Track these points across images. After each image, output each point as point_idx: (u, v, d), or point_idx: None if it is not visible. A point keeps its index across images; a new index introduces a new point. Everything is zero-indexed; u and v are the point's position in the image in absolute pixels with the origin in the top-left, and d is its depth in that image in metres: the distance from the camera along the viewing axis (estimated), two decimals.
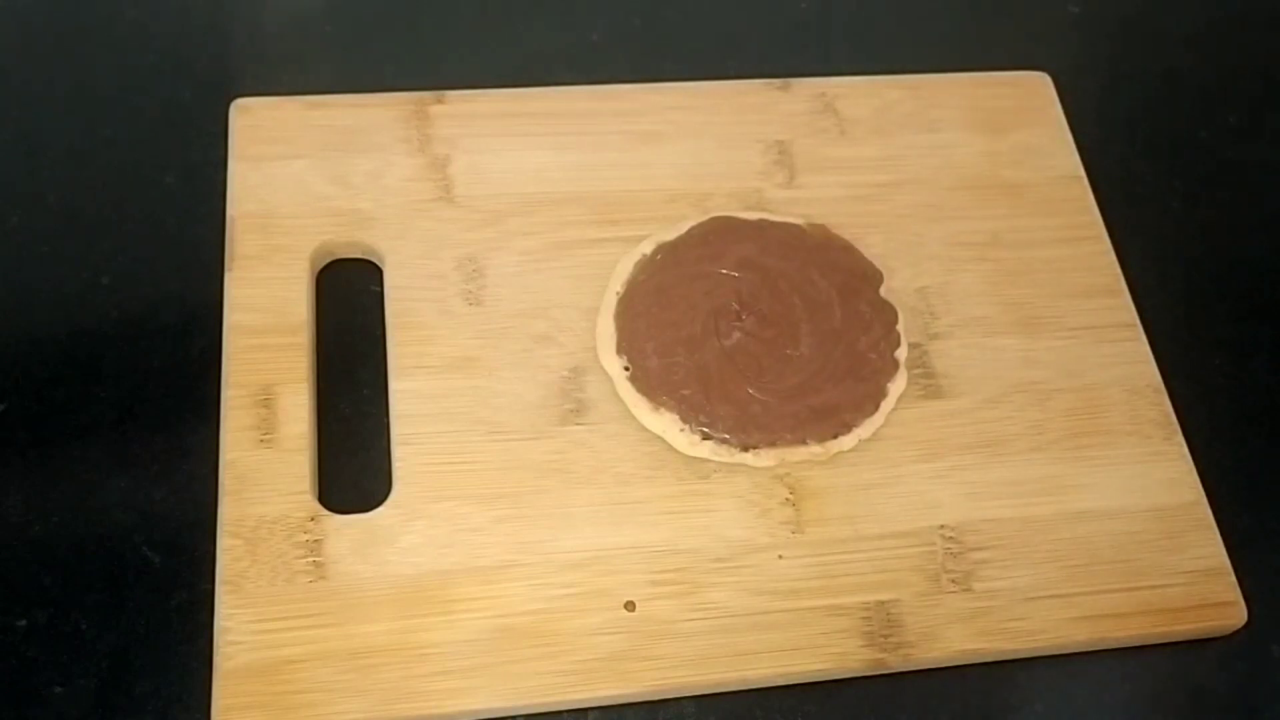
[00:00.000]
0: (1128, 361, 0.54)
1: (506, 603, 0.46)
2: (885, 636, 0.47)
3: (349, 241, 0.53)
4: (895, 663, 0.46)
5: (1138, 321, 0.56)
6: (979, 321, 0.55)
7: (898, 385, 0.51)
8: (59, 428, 0.49)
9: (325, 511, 0.47)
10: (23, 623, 0.45)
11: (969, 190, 0.58)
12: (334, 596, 0.45)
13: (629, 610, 0.46)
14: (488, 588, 0.46)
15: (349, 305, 0.52)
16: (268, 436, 0.48)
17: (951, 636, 0.47)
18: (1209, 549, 0.50)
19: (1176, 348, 0.55)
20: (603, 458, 0.49)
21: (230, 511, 0.46)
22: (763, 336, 0.51)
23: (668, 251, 0.52)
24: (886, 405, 0.50)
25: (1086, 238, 0.58)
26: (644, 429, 0.49)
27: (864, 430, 0.49)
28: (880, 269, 0.54)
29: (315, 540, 0.46)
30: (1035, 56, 0.63)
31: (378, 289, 0.52)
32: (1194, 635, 0.49)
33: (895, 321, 0.52)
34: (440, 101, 0.57)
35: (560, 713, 0.45)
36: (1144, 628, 0.48)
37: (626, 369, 0.50)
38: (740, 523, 0.48)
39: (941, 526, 0.49)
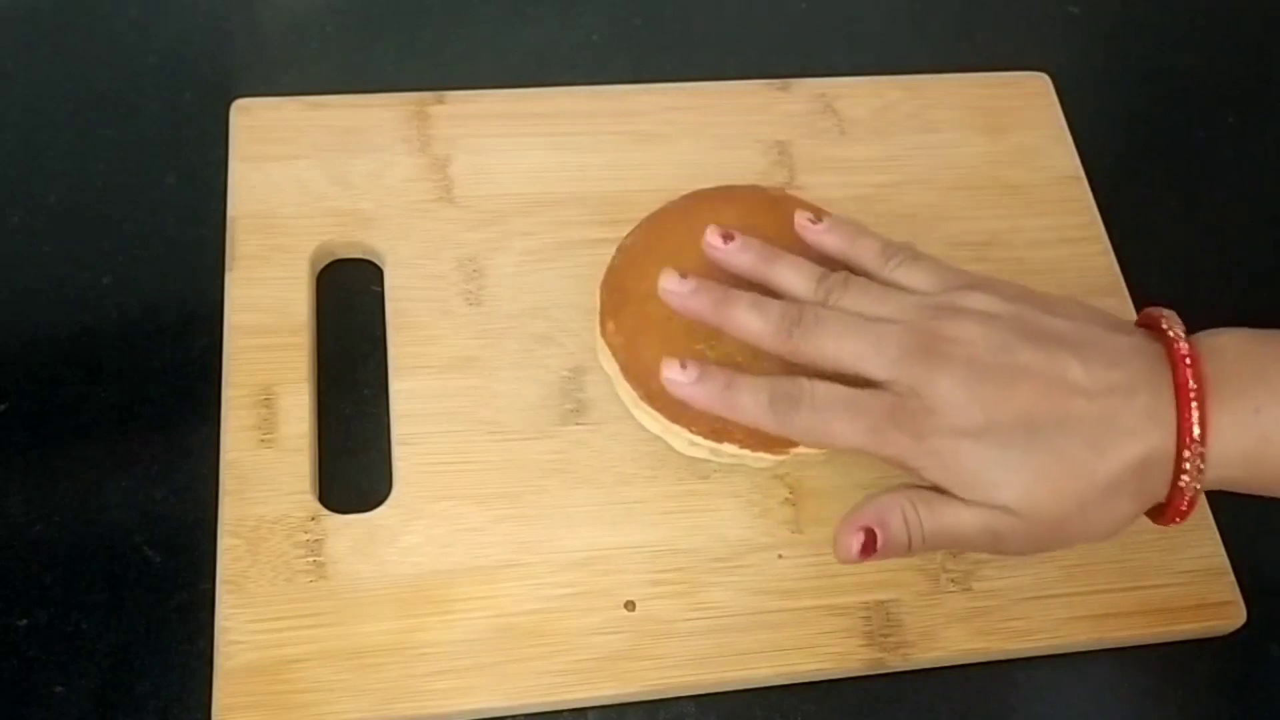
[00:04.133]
0: None
1: (506, 602, 0.46)
2: (885, 636, 0.47)
3: (349, 241, 0.53)
4: (895, 662, 0.46)
5: None
6: None
7: None
8: (59, 428, 0.49)
9: (325, 511, 0.47)
10: (23, 622, 0.45)
11: (969, 190, 0.58)
12: (334, 596, 0.45)
13: (629, 610, 0.46)
14: (488, 587, 0.46)
15: (349, 305, 0.52)
16: (268, 436, 0.48)
17: (951, 636, 0.47)
18: (1208, 549, 0.50)
19: None
20: (603, 458, 0.49)
21: (230, 511, 0.46)
22: None
23: None
24: None
25: (1086, 238, 0.58)
26: (644, 429, 0.49)
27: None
28: None
29: (315, 540, 0.46)
30: (1035, 56, 0.63)
31: (378, 289, 0.52)
32: (1193, 635, 0.49)
33: None
34: (440, 101, 0.57)
35: (560, 712, 0.45)
36: (1143, 627, 0.48)
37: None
38: (740, 522, 0.48)
39: None
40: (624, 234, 0.51)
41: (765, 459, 0.47)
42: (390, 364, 0.50)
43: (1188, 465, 0.38)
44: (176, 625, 0.45)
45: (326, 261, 0.53)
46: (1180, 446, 0.38)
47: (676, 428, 0.47)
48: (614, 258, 0.50)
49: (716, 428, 0.46)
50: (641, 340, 0.47)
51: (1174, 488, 0.39)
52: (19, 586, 0.46)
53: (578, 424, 0.50)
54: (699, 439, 0.47)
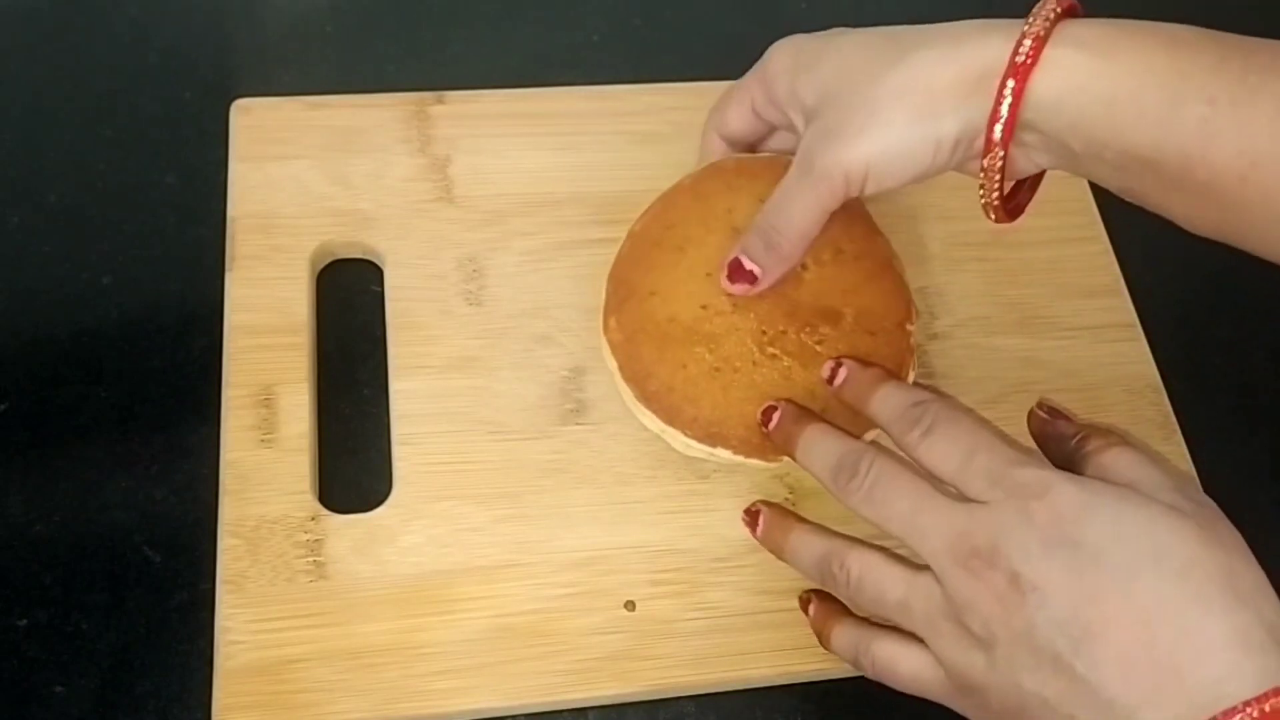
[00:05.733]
0: (1127, 361, 0.54)
1: (506, 602, 0.46)
2: None
3: (349, 241, 0.53)
4: None
5: (1137, 321, 0.56)
6: (979, 321, 0.55)
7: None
8: (59, 428, 0.49)
9: (325, 511, 0.47)
10: (23, 622, 0.45)
11: (970, 190, 0.58)
12: (334, 596, 0.45)
13: (629, 610, 0.46)
14: (488, 587, 0.46)
15: (349, 305, 0.52)
16: (268, 436, 0.48)
17: None
18: None
19: (1176, 348, 0.55)
20: (603, 458, 0.49)
21: (231, 511, 0.46)
22: None
23: None
24: None
25: (1086, 238, 0.58)
26: (644, 429, 0.49)
27: (871, 431, 0.49)
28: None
29: (315, 540, 0.46)
30: None
31: (378, 289, 0.52)
32: None
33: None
34: (440, 101, 0.57)
35: (560, 712, 0.45)
36: None
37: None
38: (740, 522, 0.48)
39: None
40: (624, 233, 0.51)
41: (759, 465, 0.47)
42: (390, 364, 0.50)
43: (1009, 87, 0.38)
44: (176, 625, 0.45)
45: (326, 261, 0.53)
46: (1009, 68, 0.38)
47: (672, 430, 0.47)
48: (623, 245, 0.49)
49: (712, 432, 0.46)
50: (641, 339, 0.47)
51: (994, 110, 0.39)
52: (19, 586, 0.45)
53: (578, 424, 0.50)
54: (694, 443, 0.46)
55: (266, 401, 0.48)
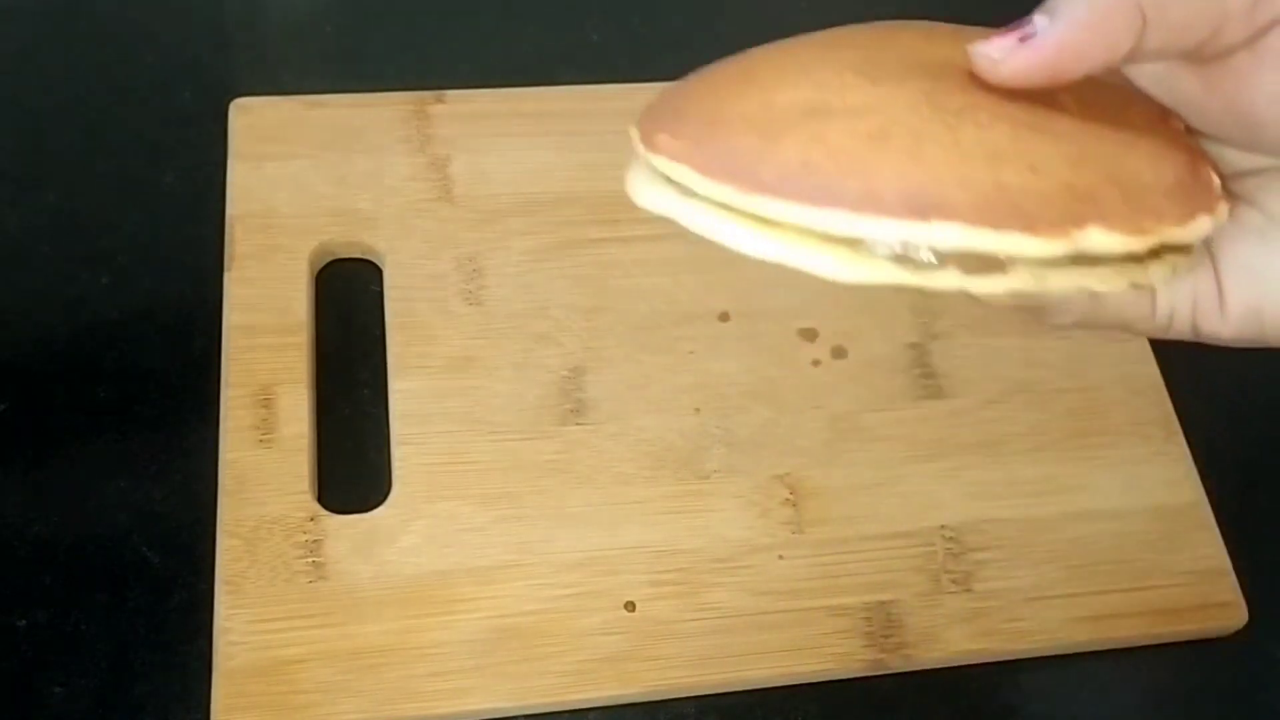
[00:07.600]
0: (1128, 361, 0.54)
1: (506, 603, 0.46)
2: (885, 637, 0.47)
3: (349, 241, 0.53)
4: (895, 663, 0.46)
5: None
6: (979, 321, 0.54)
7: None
8: (59, 428, 0.49)
9: (325, 511, 0.47)
10: (23, 623, 0.45)
11: None
12: (334, 596, 0.45)
13: (629, 610, 0.46)
14: (488, 588, 0.46)
15: (349, 305, 0.52)
16: (267, 436, 0.48)
17: (951, 637, 0.47)
18: (1209, 549, 0.50)
19: (1176, 348, 0.55)
20: (602, 458, 0.49)
21: (230, 511, 0.46)
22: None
23: None
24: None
25: None
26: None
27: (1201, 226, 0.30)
28: None
29: (315, 540, 0.46)
30: None
31: (378, 289, 0.52)
32: (1194, 635, 0.49)
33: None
34: (440, 101, 0.57)
35: (560, 713, 0.45)
36: (1144, 628, 0.48)
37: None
38: (740, 523, 0.48)
39: (942, 527, 0.49)
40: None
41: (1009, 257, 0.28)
42: (390, 364, 0.50)
43: None
44: (176, 625, 0.45)
45: (326, 261, 0.53)
46: None
47: (829, 211, 0.27)
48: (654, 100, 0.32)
49: (919, 204, 0.27)
50: (724, 133, 0.29)
51: None
52: (19, 586, 0.45)
53: (578, 424, 0.50)
54: (884, 220, 0.27)
55: (265, 401, 0.48)
